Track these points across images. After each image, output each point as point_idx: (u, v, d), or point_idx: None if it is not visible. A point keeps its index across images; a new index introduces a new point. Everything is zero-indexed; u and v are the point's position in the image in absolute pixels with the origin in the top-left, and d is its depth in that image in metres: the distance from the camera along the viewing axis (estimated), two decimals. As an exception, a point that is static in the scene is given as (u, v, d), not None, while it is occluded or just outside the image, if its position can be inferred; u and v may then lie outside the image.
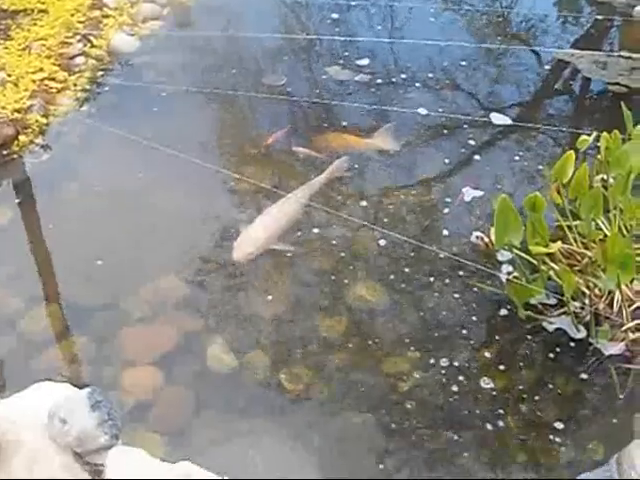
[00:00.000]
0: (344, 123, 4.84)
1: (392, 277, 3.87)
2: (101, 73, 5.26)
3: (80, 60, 5.31)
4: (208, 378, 3.45)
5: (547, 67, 5.48)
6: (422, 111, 4.90)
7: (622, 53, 5.49)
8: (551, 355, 3.53)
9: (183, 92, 5.02)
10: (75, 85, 5.10)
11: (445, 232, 4.10)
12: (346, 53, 5.46)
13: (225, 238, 4.07)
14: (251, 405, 3.35)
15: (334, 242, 4.05)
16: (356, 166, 4.53)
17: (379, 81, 5.21)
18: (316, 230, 4.11)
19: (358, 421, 3.28)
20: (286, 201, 4.18)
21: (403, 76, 5.25)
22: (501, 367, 3.49)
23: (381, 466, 3.13)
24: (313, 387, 3.41)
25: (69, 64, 5.26)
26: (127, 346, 3.56)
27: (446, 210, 4.24)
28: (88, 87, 5.11)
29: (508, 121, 4.90)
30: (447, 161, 4.58)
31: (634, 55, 5.41)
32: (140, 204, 4.25)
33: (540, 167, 4.44)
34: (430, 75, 5.27)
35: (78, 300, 3.76)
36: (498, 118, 4.92)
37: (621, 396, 3.39)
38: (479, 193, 4.32)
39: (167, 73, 5.27)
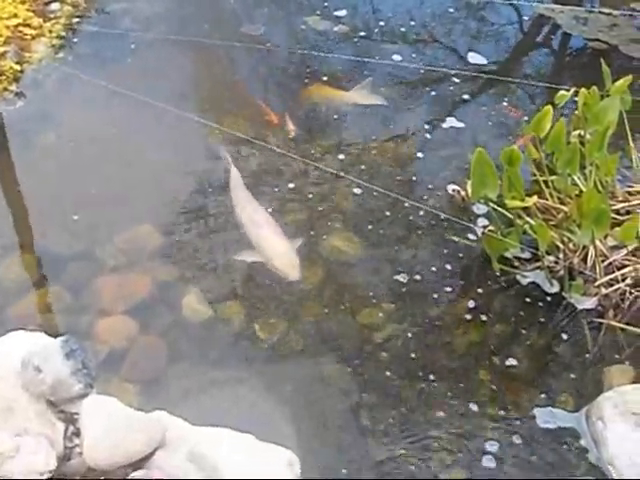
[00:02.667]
0: (323, 74, 4.79)
1: (368, 229, 3.87)
2: (77, 20, 5.15)
3: (55, 6, 5.20)
4: (183, 328, 3.46)
5: (527, 22, 5.44)
6: (400, 63, 4.86)
7: (602, 9, 5.46)
8: (524, 308, 3.56)
9: (160, 40, 4.93)
10: (50, 32, 5.00)
11: (422, 184, 4.11)
12: (325, 4, 5.40)
13: (202, 188, 4.05)
14: (225, 355, 3.37)
15: (310, 195, 4.04)
16: (335, 117, 4.51)
17: (359, 33, 5.15)
18: (292, 185, 4.09)
19: (332, 371, 3.31)
20: (247, 204, 3.94)
21: (382, 28, 5.20)
22: (475, 319, 3.52)
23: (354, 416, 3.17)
24: (288, 337, 3.43)
25: (44, 10, 5.16)
26: (102, 295, 3.55)
27: (423, 163, 4.24)
28: (64, 34, 5.01)
29: (484, 61, 4.95)
30: (425, 114, 4.56)
31: (614, 11, 5.38)
32: (117, 153, 4.20)
33: (518, 121, 4.43)
34: (409, 28, 5.22)
35: (53, 249, 3.75)
36: (474, 57, 4.98)
37: (592, 350, 3.44)
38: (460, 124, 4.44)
39: (144, 21, 5.18)
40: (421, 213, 3.91)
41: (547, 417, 3.18)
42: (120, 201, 3.96)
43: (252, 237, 3.79)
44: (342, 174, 4.07)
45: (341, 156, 4.24)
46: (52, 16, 5.14)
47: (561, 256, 3.62)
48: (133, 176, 4.09)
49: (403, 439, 3.11)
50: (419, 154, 4.29)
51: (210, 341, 3.41)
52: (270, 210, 3.93)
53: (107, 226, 3.84)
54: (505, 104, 4.59)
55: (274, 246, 3.73)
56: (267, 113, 4.44)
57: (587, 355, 3.42)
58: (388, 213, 3.94)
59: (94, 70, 4.62)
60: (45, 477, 2.70)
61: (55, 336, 3.06)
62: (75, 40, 5.00)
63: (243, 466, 2.75)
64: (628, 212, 3.73)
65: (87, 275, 3.63)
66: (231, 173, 4.09)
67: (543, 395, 3.28)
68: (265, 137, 4.28)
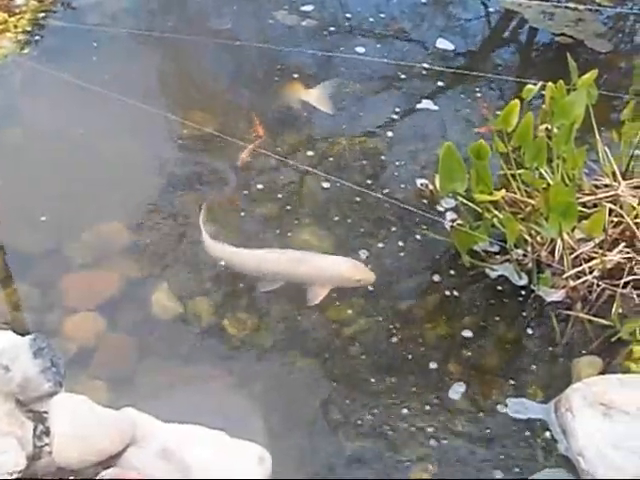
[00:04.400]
0: (292, 69, 4.77)
1: (337, 224, 3.87)
2: (43, 15, 5.10)
3: (21, 1, 5.15)
4: (152, 324, 3.44)
5: (495, 16, 5.47)
6: (369, 57, 4.86)
7: (569, 4, 5.49)
8: (493, 301, 3.58)
9: (127, 35, 4.90)
10: (15, 27, 4.95)
11: (391, 178, 4.12)
12: (292, -2, 5.40)
13: (170, 184, 4.03)
14: (195, 351, 3.36)
15: (279, 191, 4.03)
16: (305, 114, 4.51)
17: (328, 27, 5.14)
18: (260, 186, 4.07)
19: (302, 366, 3.31)
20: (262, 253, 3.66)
21: (350, 21, 5.20)
22: (444, 313, 3.54)
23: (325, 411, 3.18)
24: (257, 333, 3.43)
25: (9, 5, 5.11)
26: (70, 292, 3.53)
27: (392, 156, 4.25)
28: (29, 29, 4.96)
29: (451, 47, 5.04)
30: (393, 109, 4.56)
31: (580, 6, 5.43)
32: (84, 150, 4.17)
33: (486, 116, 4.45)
34: (376, 22, 5.22)
35: (19, 247, 3.71)
36: (442, 43, 5.07)
37: (560, 342, 3.47)
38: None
39: (111, 15, 5.13)
40: (390, 207, 3.91)
41: (517, 408, 3.21)
42: (88, 198, 3.93)
43: (304, 276, 3.57)
44: (309, 168, 4.07)
45: (310, 152, 4.24)
46: (17, 11, 5.09)
47: (529, 249, 3.64)
48: (101, 172, 4.06)
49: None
50: (387, 148, 4.30)
51: (180, 337, 3.40)
52: (242, 210, 3.92)
53: (74, 223, 3.80)
54: (479, 96, 4.61)
55: (335, 266, 3.58)
56: (255, 125, 4.38)
57: (555, 347, 3.45)
58: (357, 207, 3.94)
59: (60, 65, 4.57)
60: (14, 477, 2.68)
61: (23, 334, 3.04)
62: (41, 35, 4.95)
63: (213, 463, 2.75)
64: (595, 205, 3.75)
65: (55, 273, 3.60)
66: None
67: (512, 387, 3.30)
68: (233, 132, 4.26)
